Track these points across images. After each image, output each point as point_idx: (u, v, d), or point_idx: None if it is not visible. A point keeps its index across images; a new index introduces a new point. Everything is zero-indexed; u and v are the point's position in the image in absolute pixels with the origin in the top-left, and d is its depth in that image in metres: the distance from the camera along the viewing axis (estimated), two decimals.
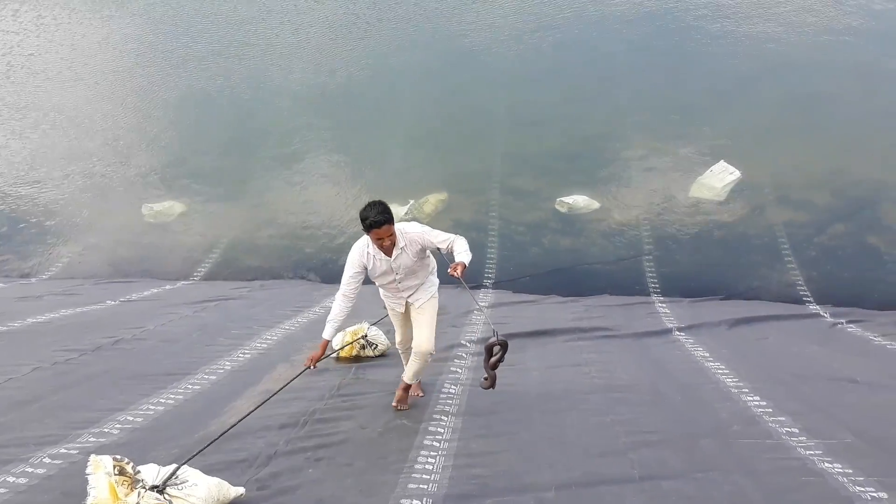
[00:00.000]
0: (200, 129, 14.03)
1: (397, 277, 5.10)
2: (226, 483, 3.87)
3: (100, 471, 3.64)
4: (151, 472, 3.78)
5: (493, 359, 4.31)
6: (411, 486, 4.10)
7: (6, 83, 15.17)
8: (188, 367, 6.35)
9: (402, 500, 3.91)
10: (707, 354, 6.96)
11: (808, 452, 4.58)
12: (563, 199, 11.18)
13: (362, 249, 5.01)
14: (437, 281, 5.43)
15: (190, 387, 5.94)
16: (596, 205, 11.17)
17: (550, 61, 13.54)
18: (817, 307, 8.97)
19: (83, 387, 5.92)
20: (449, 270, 4.73)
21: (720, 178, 10.87)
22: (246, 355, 6.79)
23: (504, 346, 4.24)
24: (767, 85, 12.22)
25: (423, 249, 5.07)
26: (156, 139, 13.80)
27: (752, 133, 11.58)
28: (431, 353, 5.32)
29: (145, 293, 9.96)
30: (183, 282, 10.92)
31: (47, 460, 4.45)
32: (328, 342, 5.03)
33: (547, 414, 5.34)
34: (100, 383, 6.00)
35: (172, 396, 5.71)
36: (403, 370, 5.58)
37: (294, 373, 5.22)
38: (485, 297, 9.68)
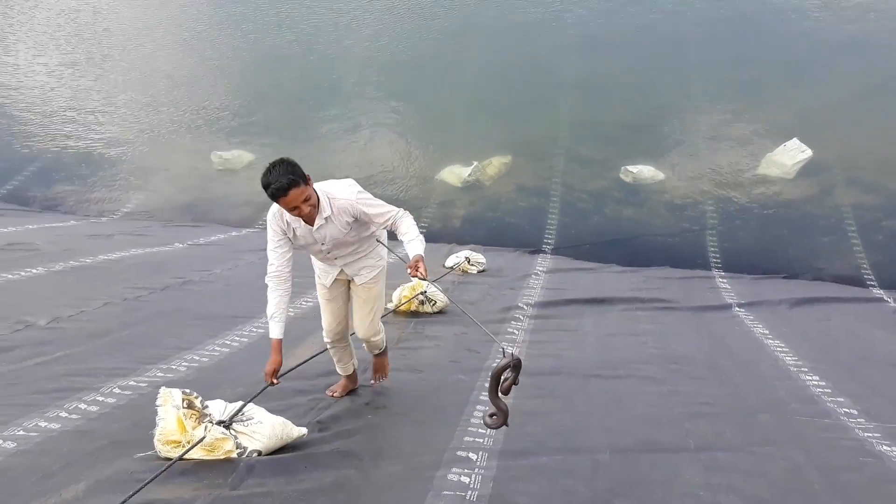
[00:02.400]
0: (273, 85, 14.21)
1: (323, 248, 4.18)
2: (290, 423, 3.98)
3: (169, 403, 3.78)
4: (218, 408, 3.91)
5: (506, 383, 3.06)
6: (467, 438, 4.18)
7: (88, 37, 15.51)
8: (253, 312, 6.50)
9: (458, 453, 3.98)
10: (767, 332, 6.89)
11: (866, 434, 4.54)
12: (628, 168, 11.08)
13: (277, 214, 4.02)
14: (384, 255, 4.52)
15: (255, 330, 6.10)
16: (661, 176, 11.06)
17: (622, 29, 13.36)
18: (881, 292, 8.80)
19: (152, 324, 6.11)
20: (408, 271, 3.82)
21: (791, 155, 10.66)
22: (308, 303, 6.93)
23: (517, 367, 3.04)
24: (844, 64, 11.89)
25: (358, 221, 4.09)
26: (229, 92, 14.01)
27: (826, 112, 11.31)
28: (374, 339, 4.68)
29: (212, 238, 10.20)
30: (248, 229, 11.14)
31: (117, 391, 4.62)
32: (280, 341, 4.06)
33: (603, 380, 5.36)
34: (168, 322, 6.19)
35: (237, 339, 5.87)
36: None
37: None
38: (543, 262, 9.69)
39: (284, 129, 13.03)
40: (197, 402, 3.86)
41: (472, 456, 3.97)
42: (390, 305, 6.91)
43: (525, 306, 7.37)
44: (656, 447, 4.20)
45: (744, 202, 10.53)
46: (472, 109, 12.67)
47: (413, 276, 3.77)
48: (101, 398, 4.49)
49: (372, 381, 5.01)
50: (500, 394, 3.07)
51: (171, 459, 3.58)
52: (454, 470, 3.79)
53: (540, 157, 11.79)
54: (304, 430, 4.04)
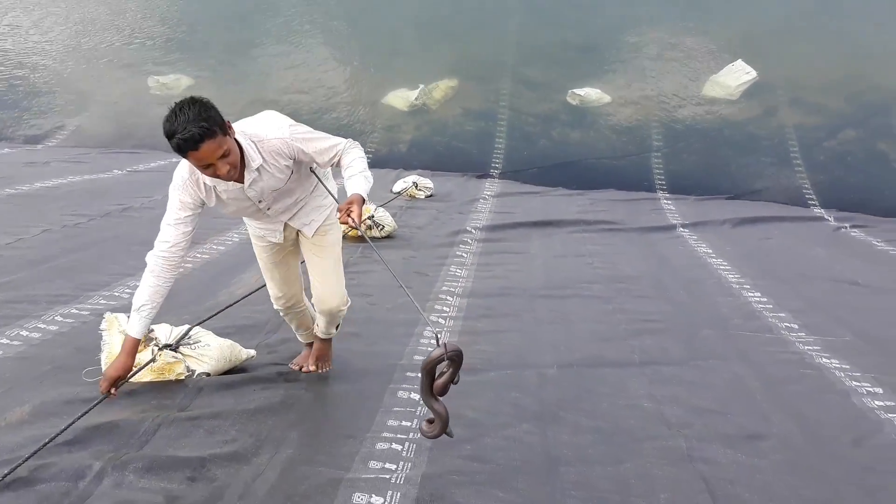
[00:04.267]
0: (210, 4, 13.73)
1: (262, 206, 3.33)
2: (238, 345, 3.95)
3: (114, 328, 3.72)
4: (164, 332, 3.86)
5: (441, 380, 2.35)
6: (417, 357, 4.20)
7: None
8: (197, 237, 6.37)
9: (408, 373, 4.00)
10: (710, 251, 7.00)
11: (806, 348, 4.67)
12: (575, 91, 11.03)
13: (189, 181, 3.09)
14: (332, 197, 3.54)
15: (199, 256, 6.01)
16: (607, 98, 11.03)
17: None
18: (822, 210, 8.99)
19: (93, 251, 5.98)
20: (338, 215, 3.02)
21: (735, 77, 10.71)
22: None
23: (455, 361, 2.32)
24: None
25: (298, 162, 3.25)
26: (166, 13, 13.51)
27: (771, 34, 11.32)
28: (342, 311, 3.73)
29: (152, 164, 9.99)
30: None
31: (59, 318, 4.53)
32: (138, 342, 3.19)
33: (551, 300, 5.41)
34: (109, 248, 6.07)
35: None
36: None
37: None
38: (491, 186, 9.68)
39: (223, 52, 12.64)
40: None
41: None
42: None
43: (473, 230, 7.37)
44: (602, 362, 4.28)
45: (688, 123, 10.59)
46: (417, 31, 12.41)
47: (342, 223, 2.98)
48: (42, 325, 4.40)
49: (306, 368, 3.96)
50: (433, 394, 2.35)
51: None
52: (404, 387, 3.81)
53: (487, 81, 11.65)
54: (252, 352, 4.02)
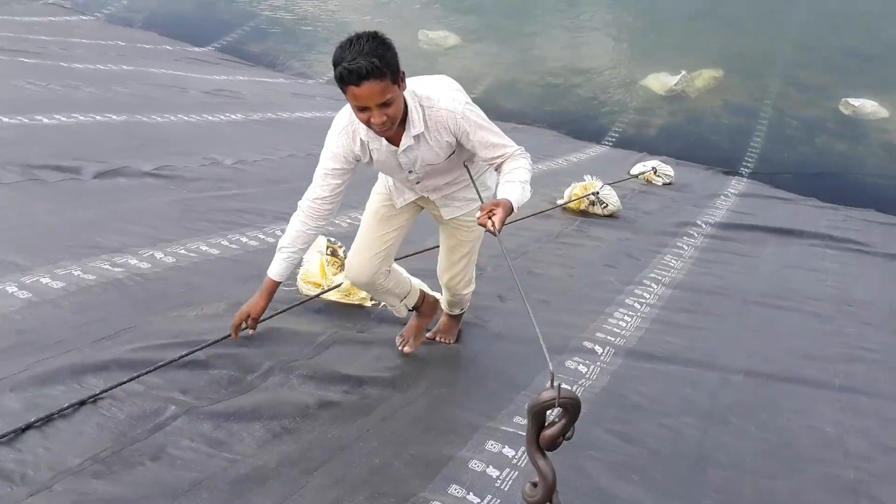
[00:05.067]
0: None
1: (411, 177, 3.00)
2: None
3: (314, 248, 3.96)
4: None
5: (551, 430, 1.87)
6: (598, 334, 4.13)
7: None
8: None
9: (585, 343, 3.95)
10: None
11: None
12: (849, 100, 10.19)
13: (347, 130, 2.83)
14: (491, 186, 3.24)
15: None
16: (885, 113, 10.10)
17: None
18: None
19: None
20: (478, 215, 2.60)
21: None
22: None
23: (571, 409, 1.84)
24: None
25: (460, 145, 2.87)
26: None
27: None
28: (463, 295, 3.54)
29: None
30: None
31: (278, 233, 4.87)
32: (276, 285, 3.04)
33: (764, 308, 5.08)
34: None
35: None
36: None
37: None
38: (737, 185, 9.20)
39: (495, 14, 12.90)
40: (340, 252, 4.04)
41: (598, 349, 3.92)
42: (560, 201, 6.83)
43: (703, 225, 7.06)
44: (796, 379, 3.98)
45: None
46: (689, 16, 12.00)
47: (480, 223, 2.57)
48: (262, 236, 4.79)
49: (430, 337, 3.74)
50: (540, 447, 1.90)
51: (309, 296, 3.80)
52: (575, 358, 3.77)
53: (754, 76, 11.06)
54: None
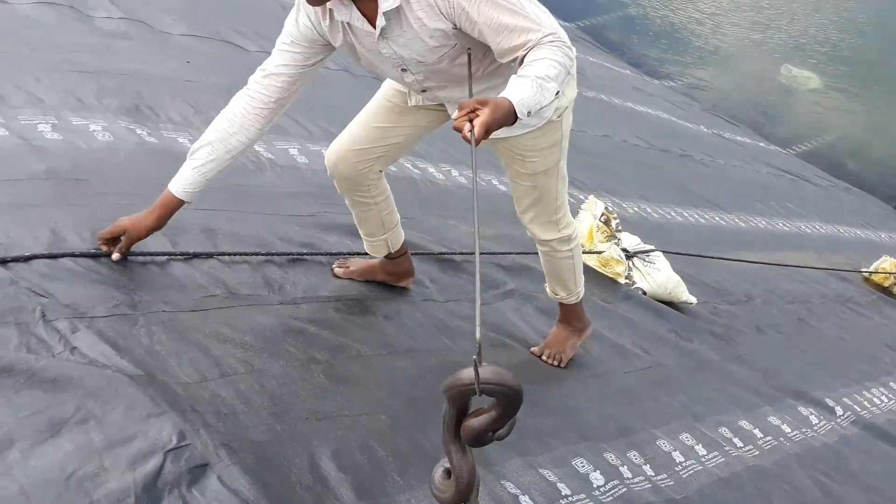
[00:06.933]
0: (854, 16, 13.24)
1: (409, 80, 2.19)
2: (684, 285, 4.03)
3: (590, 210, 4.04)
4: (630, 241, 4.10)
5: (476, 420, 1.36)
6: (846, 399, 3.85)
7: None
8: None
9: (828, 400, 3.71)
10: None
11: None
12: None
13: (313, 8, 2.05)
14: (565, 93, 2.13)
15: None
16: None
17: None
18: None
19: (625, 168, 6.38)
20: (455, 115, 1.81)
21: None
22: None
23: (504, 400, 1.31)
24: None
25: (462, 35, 2.00)
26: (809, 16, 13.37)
27: None
28: (556, 248, 2.62)
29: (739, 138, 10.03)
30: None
31: None
32: (172, 200, 2.24)
33: None
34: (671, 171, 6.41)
35: None
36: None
37: None
38: None
39: (863, 66, 12.10)
40: (613, 223, 4.07)
41: (839, 411, 3.68)
42: (864, 269, 6.33)
43: None
44: None
45: None
46: None
47: (455, 128, 1.76)
48: None
49: (537, 353, 2.89)
50: (459, 435, 1.39)
51: None
52: (810, 409, 3.58)
53: None
54: (693, 300, 4.05)
